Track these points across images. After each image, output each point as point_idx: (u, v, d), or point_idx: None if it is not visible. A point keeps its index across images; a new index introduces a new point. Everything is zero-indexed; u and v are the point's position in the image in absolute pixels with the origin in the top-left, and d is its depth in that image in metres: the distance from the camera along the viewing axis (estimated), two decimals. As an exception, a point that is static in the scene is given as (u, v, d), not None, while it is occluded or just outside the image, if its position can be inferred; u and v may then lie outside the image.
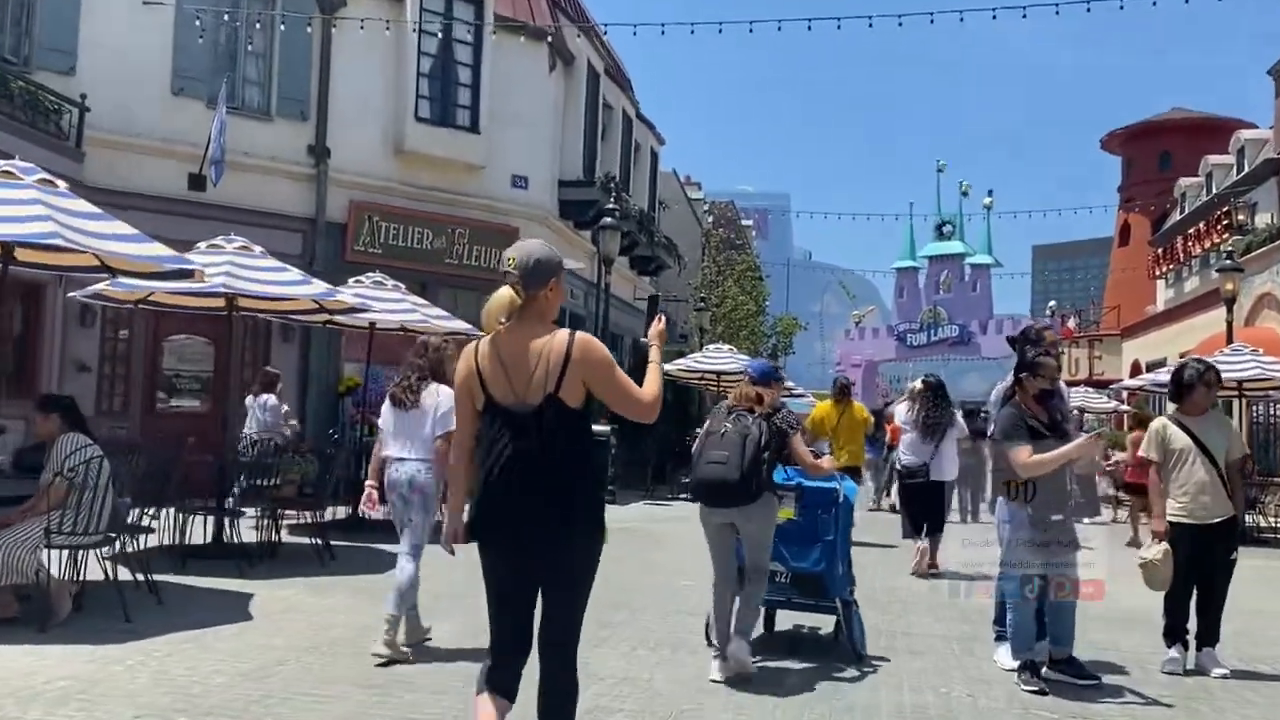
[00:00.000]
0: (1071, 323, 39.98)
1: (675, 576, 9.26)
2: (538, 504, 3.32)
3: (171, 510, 8.69)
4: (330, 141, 15.69)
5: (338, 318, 11.99)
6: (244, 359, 15.09)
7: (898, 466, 11.17)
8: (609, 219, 17.24)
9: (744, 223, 45.55)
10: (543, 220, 17.96)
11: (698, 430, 21.33)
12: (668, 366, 19.37)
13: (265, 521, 9.27)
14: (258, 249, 9.47)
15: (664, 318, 4.16)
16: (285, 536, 9.73)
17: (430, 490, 5.95)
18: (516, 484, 3.33)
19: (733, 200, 45.44)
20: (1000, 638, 6.22)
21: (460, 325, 12.41)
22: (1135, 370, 29.13)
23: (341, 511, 11.48)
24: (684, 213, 35.34)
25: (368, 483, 6.46)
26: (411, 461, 5.99)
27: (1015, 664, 5.91)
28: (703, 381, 20.66)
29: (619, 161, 21.89)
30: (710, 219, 39.14)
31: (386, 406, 6.22)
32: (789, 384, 22.08)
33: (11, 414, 11.98)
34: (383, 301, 11.43)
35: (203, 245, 9.35)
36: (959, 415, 10.32)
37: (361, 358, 16.23)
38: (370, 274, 12.09)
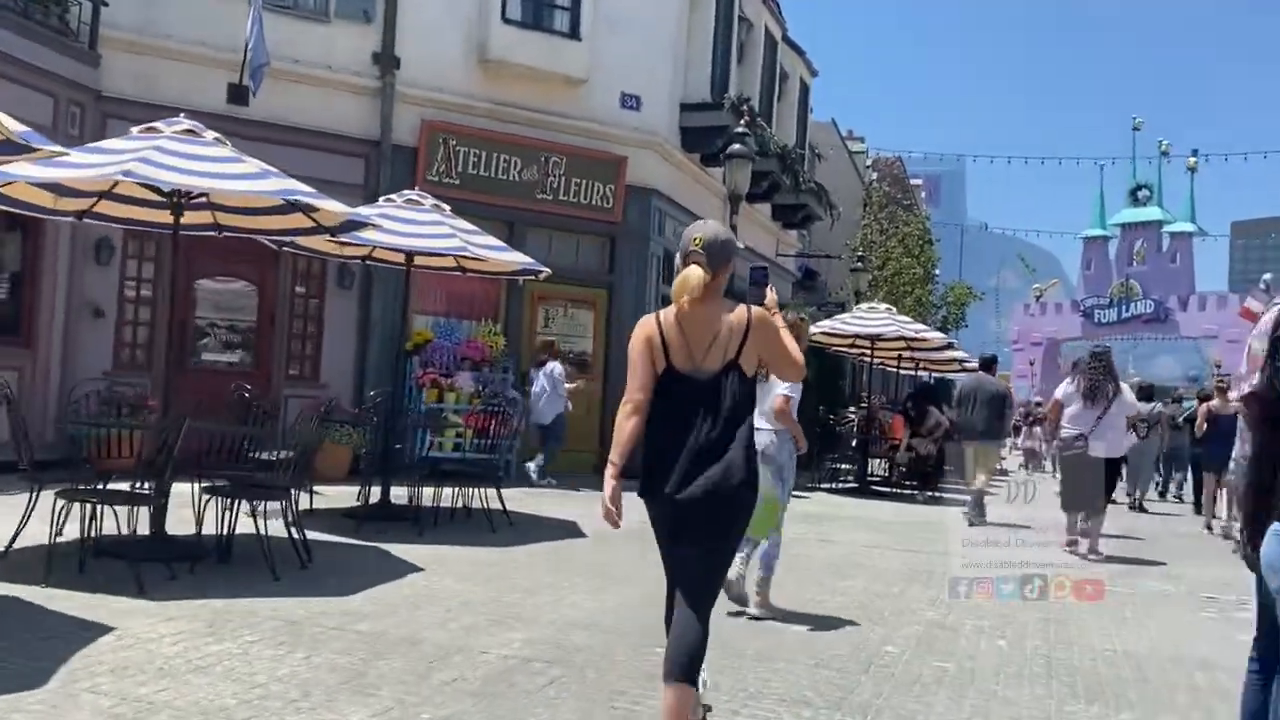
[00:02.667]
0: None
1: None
2: (710, 467, 3.46)
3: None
4: (399, 49, 13.08)
5: (378, 252, 9.58)
6: (292, 309, 12.76)
7: (1057, 440, 11.04)
8: (738, 145, 14.11)
9: (913, 182, 41.29)
10: (659, 149, 14.94)
11: (851, 410, 18.22)
12: (809, 329, 16.26)
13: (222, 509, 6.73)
14: (210, 135, 6.88)
15: (773, 289, 4.59)
16: (276, 529, 7.06)
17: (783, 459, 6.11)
18: (693, 448, 3.47)
19: (900, 156, 41.21)
20: None
21: (520, 259, 9.66)
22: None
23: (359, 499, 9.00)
24: (844, 167, 31.71)
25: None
26: (764, 431, 5.86)
27: None
28: (854, 349, 17.30)
29: (759, 89, 18.60)
30: (874, 175, 35.25)
31: None
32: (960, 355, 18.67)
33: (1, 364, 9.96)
34: (413, 224, 8.72)
35: (135, 130, 6.91)
36: (1127, 390, 9.99)
37: (437, 309, 13.82)
38: (405, 192, 9.47)
